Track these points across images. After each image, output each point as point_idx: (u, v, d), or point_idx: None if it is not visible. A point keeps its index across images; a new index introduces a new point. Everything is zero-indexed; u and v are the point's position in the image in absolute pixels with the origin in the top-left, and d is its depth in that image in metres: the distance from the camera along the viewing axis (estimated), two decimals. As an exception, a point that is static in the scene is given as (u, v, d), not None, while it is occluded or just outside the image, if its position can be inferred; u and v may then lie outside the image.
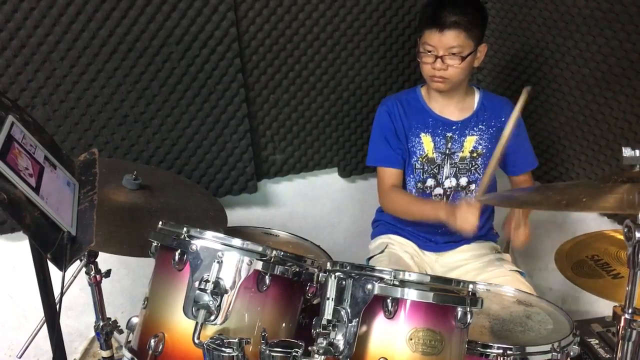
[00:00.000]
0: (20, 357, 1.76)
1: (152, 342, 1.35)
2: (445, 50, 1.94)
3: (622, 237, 1.26)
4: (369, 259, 2.20)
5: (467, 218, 1.84)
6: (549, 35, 2.26)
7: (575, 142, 2.24)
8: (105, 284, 1.79)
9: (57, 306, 1.19)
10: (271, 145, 2.46)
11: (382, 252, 2.16)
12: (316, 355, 1.25)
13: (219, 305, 1.33)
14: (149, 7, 2.09)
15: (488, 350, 1.48)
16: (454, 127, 2.09)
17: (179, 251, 1.38)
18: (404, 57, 2.52)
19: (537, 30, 2.31)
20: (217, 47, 2.21)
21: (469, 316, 1.30)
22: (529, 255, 2.56)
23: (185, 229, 1.40)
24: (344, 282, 1.29)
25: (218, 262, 1.34)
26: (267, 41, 2.30)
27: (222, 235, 1.40)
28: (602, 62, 2.05)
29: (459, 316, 1.30)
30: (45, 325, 1.61)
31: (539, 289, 2.16)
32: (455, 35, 1.93)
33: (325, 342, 1.26)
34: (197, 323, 1.31)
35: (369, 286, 1.26)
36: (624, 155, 1.31)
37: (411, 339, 1.27)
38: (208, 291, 1.32)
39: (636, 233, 1.19)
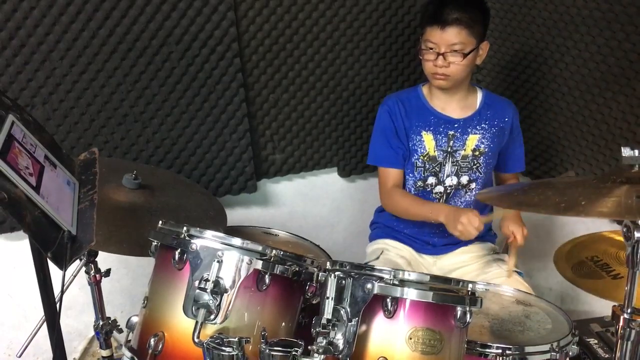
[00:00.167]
0: (19, 356, 1.76)
1: (152, 341, 1.35)
2: (446, 47, 1.94)
3: (620, 238, 1.26)
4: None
5: (468, 228, 1.84)
6: (548, 35, 2.26)
7: (574, 142, 2.24)
8: (105, 283, 1.79)
9: (57, 305, 1.19)
10: (271, 145, 2.46)
11: (377, 258, 2.16)
12: (316, 355, 1.25)
13: (219, 305, 1.33)
14: (149, 7, 2.09)
15: (487, 350, 1.49)
16: (456, 125, 2.09)
17: (179, 250, 1.38)
18: (404, 57, 2.52)
19: (536, 30, 2.32)
20: (217, 46, 2.21)
21: (468, 316, 1.31)
22: (527, 256, 2.56)
23: (185, 228, 1.40)
24: (343, 282, 1.30)
25: (218, 262, 1.34)
26: (266, 41, 2.30)
27: (222, 234, 1.40)
28: (602, 62, 2.06)
29: (458, 316, 1.30)
30: (44, 325, 1.62)
31: (538, 289, 2.17)
32: (456, 32, 1.93)
33: (324, 342, 1.26)
34: (197, 322, 1.31)
35: (369, 285, 1.27)
36: (623, 155, 1.32)
37: (411, 338, 1.28)
38: (208, 290, 1.32)
39: (635, 233, 1.19)
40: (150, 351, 1.35)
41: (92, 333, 2.38)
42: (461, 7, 1.93)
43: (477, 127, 2.10)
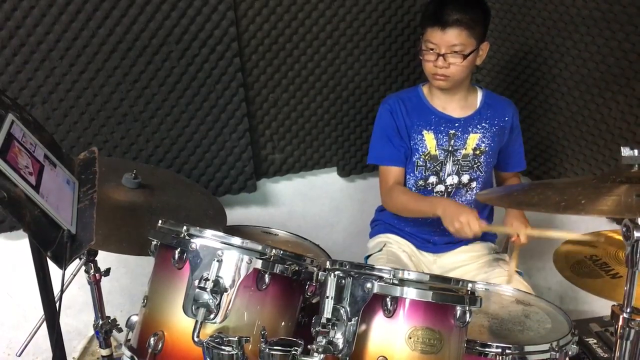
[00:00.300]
0: (19, 355, 1.76)
1: (152, 340, 1.36)
2: (447, 48, 1.95)
3: (620, 237, 1.26)
4: (367, 257, 2.20)
5: (465, 230, 1.83)
6: (548, 35, 2.26)
7: (574, 142, 2.25)
8: (104, 282, 1.79)
9: (57, 304, 1.19)
10: (270, 145, 2.46)
11: (380, 250, 2.16)
12: (315, 354, 1.25)
13: (219, 304, 1.33)
14: (149, 6, 2.09)
15: (487, 349, 1.49)
16: (456, 124, 2.09)
17: (178, 250, 1.38)
18: (403, 57, 2.52)
19: (536, 30, 2.32)
20: (216, 46, 2.21)
21: (467, 315, 1.30)
22: (527, 256, 2.56)
23: (185, 227, 1.40)
24: (343, 281, 1.29)
25: (218, 261, 1.34)
26: (266, 40, 2.30)
27: (221, 234, 1.40)
28: (601, 62, 2.06)
29: (458, 315, 1.30)
30: (44, 324, 1.62)
31: (537, 288, 2.17)
32: (457, 34, 1.93)
33: (324, 341, 1.26)
34: (196, 321, 1.32)
35: (368, 285, 1.27)
36: (623, 154, 1.32)
37: (410, 338, 1.28)
38: (208, 290, 1.32)
39: (634, 232, 1.19)
40: (150, 350, 1.35)
41: (92, 332, 2.38)
42: (462, 8, 1.92)
43: (478, 126, 2.11)
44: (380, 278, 1.29)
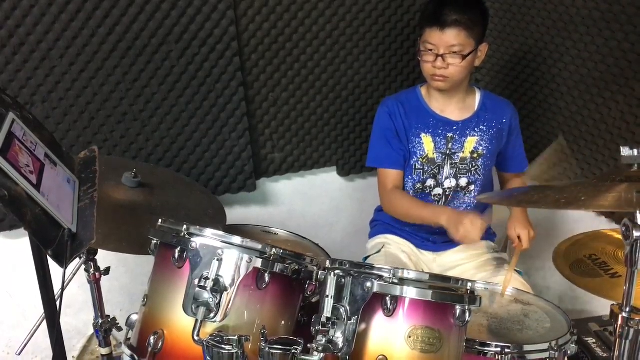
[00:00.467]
0: (19, 354, 1.76)
1: (152, 339, 1.36)
2: (446, 49, 1.94)
3: (619, 236, 1.27)
4: (366, 258, 2.20)
5: (471, 232, 1.82)
6: (547, 35, 2.27)
7: (573, 142, 2.25)
8: (104, 282, 1.79)
9: (58, 302, 1.19)
10: (270, 144, 2.46)
11: (378, 252, 2.16)
12: (315, 353, 1.26)
13: (219, 303, 1.33)
14: (149, 6, 2.09)
15: (486, 348, 1.49)
16: (454, 128, 2.09)
17: (178, 249, 1.38)
18: (403, 57, 2.52)
19: (535, 30, 2.32)
20: (216, 45, 2.21)
21: (467, 314, 1.31)
22: (526, 255, 2.56)
23: (185, 226, 1.40)
24: (343, 280, 1.30)
25: (218, 260, 1.35)
26: (266, 40, 2.30)
27: (221, 233, 1.40)
28: (601, 62, 2.06)
29: (457, 314, 1.30)
30: (44, 323, 1.62)
31: (536, 288, 2.17)
32: (456, 34, 1.93)
33: (324, 340, 1.27)
34: (196, 320, 1.32)
35: (368, 284, 1.27)
36: (623, 154, 1.32)
37: (410, 337, 1.28)
38: (208, 289, 1.32)
39: (634, 232, 1.19)
40: (150, 349, 1.35)
41: (91, 331, 2.38)
42: (461, 8, 1.92)
43: (476, 129, 2.10)
44: (380, 277, 1.29)
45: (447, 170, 2.11)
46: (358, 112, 2.54)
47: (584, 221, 2.22)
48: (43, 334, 1.43)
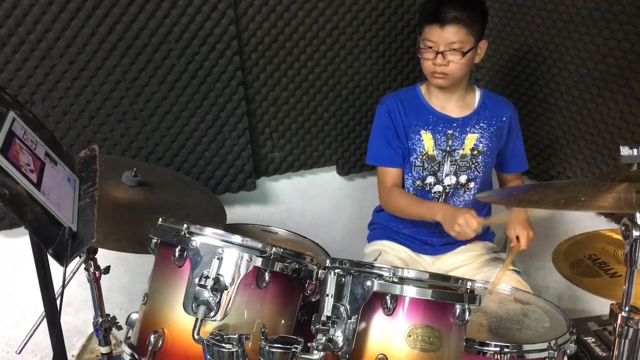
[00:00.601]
0: (19, 352, 1.76)
1: (152, 338, 1.36)
2: (445, 46, 1.95)
3: (619, 236, 1.27)
4: None
5: (465, 230, 1.83)
6: (547, 34, 2.27)
7: (572, 141, 2.25)
8: (103, 281, 1.79)
9: (59, 300, 1.19)
10: (270, 143, 2.46)
11: (375, 260, 2.16)
12: (315, 352, 1.26)
13: (219, 302, 1.33)
14: (149, 5, 2.09)
15: (485, 347, 1.50)
16: (454, 125, 2.10)
17: (179, 248, 1.38)
18: (403, 56, 2.52)
19: (535, 30, 2.32)
20: (216, 44, 2.21)
21: (467, 313, 1.31)
22: (525, 255, 2.57)
23: (185, 225, 1.40)
24: (343, 279, 1.30)
25: (218, 259, 1.35)
26: (266, 39, 2.30)
27: (222, 231, 1.41)
28: (600, 61, 2.06)
29: (457, 313, 1.31)
30: (43, 322, 1.62)
31: (535, 287, 2.17)
32: (455, 31, 1.93)
33: (324, 339, 1.27)
34: (197, 319, 1.32)
35: (368, 283, 1.27)
36: (622, 154, 1.32)
37: (410, 336, 1.28)
38: (208, 287, 1.33)
39: (633, 231, 1.19)
40: (150, 348, 1.36)
41: (91, 330, 2.37)
42: (460, 5, 1.93)
43: (476, 126, 2.11)
44: (380, 276, 1.30)
45: (447, 167, 2.11)
46: (358, 111, 2.54)
47: (583, 221, 2.22)
48: (43, 333, 1.43)
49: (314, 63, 2.40)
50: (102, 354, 1.86)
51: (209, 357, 1.27)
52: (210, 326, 1.34)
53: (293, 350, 1.26)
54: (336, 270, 1.32)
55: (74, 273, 1.78)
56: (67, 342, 1.35)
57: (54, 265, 1.17)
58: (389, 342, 1.29)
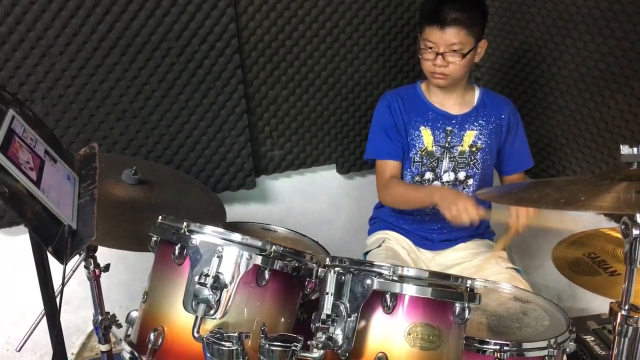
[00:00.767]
0: (19, 350, 1.76)
1: (152, 335, 1.36)
2: (446, 47, 1.95)
3: (618, 235, 1.27)
4: (366, 253, 2.21)
5: (462, 215, 1.82)
6: (547, 33, 2.27)
7: (572, 140, 2.25)
8: (103, 279, 1.79)
9: (59, 298, 1.19)
10: (269, 142, 2.46)
11: (379, 246, 2.17)
12: (315, 350, 1.26)
13: (219, 300, 1.33)
14: (149, 3, 2.09)
15: (485, 346, 1.49)
16: (453, 121, 2.10)
17: (178, 246, 1.38)
18: (403, 55, 2.52)
19: (535, 28, 2.32)
20: (216, 43, 2.21)
21: (467, 312, 1.31)
22: (525, 253, 2.57)
23: (185, 223, 1.40)
24: (343, 277, 1.30)
25: (218, 257, 1.35)
26: (266, 37, 2.30)
27: (221, 230, 1.40)
28: (600, 60, 2.06)
29: (457, 312, 1.31)
30: (43, 320, 1.62)
31: (535, 286, 2.17)
32: (455, 32, 1.93)
33: (324, 337, 1.26)
34: (196, 317, 1.32)
35: (368, 281, 1.27)
36: (622, 152, 1.32)
37: (409, 334, 1.28)
38: (208, 285, 1.33)
39: (633, 230, 1.19)
40: (150, 346, 1.35)
41: (91, 328, 2.39)
42: (460, 6, 1.93)
43: (475, 123, 2.11)
44: (380, 275, 1.29)
45: (445, 164, 2.11)
46: (358, 110, 2.54)
47: (582, 220, 2.22)
48: (42, 331, 1.43)
49: (313, 61, 2.40)
50: (102, 352, 1.86)
51: (208, 355, 1.27)
52: (210, 324, 1.33)
53: (293, 348, 1.26)
54: (336, 269, 1.32)
55: (74, 271, 1.78)
56: (67, 340, 1.35)
57: (54, 263, 1.17)
58: (388, 340, 1.28)
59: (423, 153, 2.11)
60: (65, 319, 2.34)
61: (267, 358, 1.26)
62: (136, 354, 1.41)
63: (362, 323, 1.29)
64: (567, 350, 1.56)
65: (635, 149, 1.31)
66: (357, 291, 1.28)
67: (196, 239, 1.36)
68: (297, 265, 1.42)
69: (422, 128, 2.10)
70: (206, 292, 1.33)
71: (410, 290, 1.28)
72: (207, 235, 1.38)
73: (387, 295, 1.28)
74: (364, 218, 2.39)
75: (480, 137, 2.11)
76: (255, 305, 1.38)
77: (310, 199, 2.67)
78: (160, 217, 1.48)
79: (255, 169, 2.46)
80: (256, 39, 2.29)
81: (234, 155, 2.38)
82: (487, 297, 1.76)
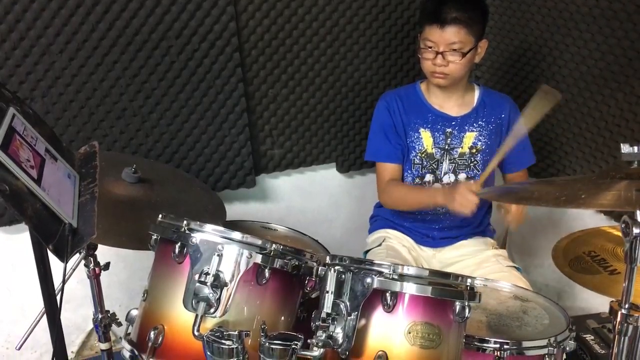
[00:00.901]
0: (19, 348, 1.76)
1: (152, 334, 1.36)
2: (446, 47, 1.95)
3: (618, 233, 1.27)
4: (367, 252, 2.21)
5: (465, 200, 1.82)
6: (547, 32, 2.27)
7: (572, 139, 2.25)
8: (103, 277, 1.79)
9: (59, 296, 1.19)
10: (270, 140, 2.46)
11: (379, 245, 2.17)
12: (315, 348, 1.26)
13: (219, 298, 1.33)
14: (149, 1, 2.09)
15: (485, 344, 1.50)
16: (453, 123, 2.10)
17: (179, 244, 1.38)
18: (403, 53, 2.52)
19: (536, 27, 2.32)
20: (216, 41, 2.21)
21: (467, 310, 1.31)
22: (525, 252, 2.57)
23: (185, 222, 1.40)
24: (343, 276, 1.30)
25: (218, 255, 1.35)
26: (266, 36, 2.30)
27: (222, 228, 1.40)
28: (601, 59, 2.06)
29: (457, 310, 1.31)
30: (43, 318, 1.62)
31: (535, 285, 2.18)
32: (455, 32, 1.93)
33: (324, 335, 1.27)
34: (196, 315, 1.32)
35: (368, 280, 1.27)
36: (623, 151, 1.32)
37: (409, 333, 1.28)
38: (208, 284, 1.32)
39: (634, 229, 1.19)
40: (150, 344, 1.35)
41: (90, 326, 2.39)
42: (460, 6, 1.93)
43: (474, 124, 2.11)
44: (380, 273, 1.29)
45: (445, 166, 2.11)
46: (357, 109, 2.54)
47: (582, 219, 2.23)
48: (42, 329, 1.43)
49: (313, 60, 2.40)
50: (102, 351, 1.86)
51: (209, 353, 1.27)
52: (210, 323, 1.33)
53: (293, 347, 1.26)
54: (336, 267, 1.32)
55: (74, 269, 1.78)
56: (67, 339, 1.35)
57: (54, 262, 1.17)
58: (388, 338, 1.29)
59: (423, 155, 2.11)
60: (65, 317, 2.33)
61: (267, 356, 1.26)
62: (136, 352, 1.41)
63: (362, 321, 1.29)
64: (567, 349, 1.57)
65: (635, 148, 1.31)
66: (357, 290, 1.28)
67: (196, 238, 1.36)
68: (297, 263, 1.42)
69: (421, 130, 2.10)
70: (206, 291, 1.33)
71: (410, 288, 1.28)
72: (207, 233, 1.38)
73: (387, 294, 1.28)
74: (364, 217, 2.39)
75: (480, 138, 2.11)
76: (256, 304, 1.38)
77: (310, 198, 2.67)
78: (160, 216, 1.48)
79: (255, 167, 2.46)
80: (256, 37, 2.29)
81: (234, 153, 2.37)
82: (487, 295, 1.77)
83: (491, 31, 2.50)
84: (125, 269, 2.38)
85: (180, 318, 1.36)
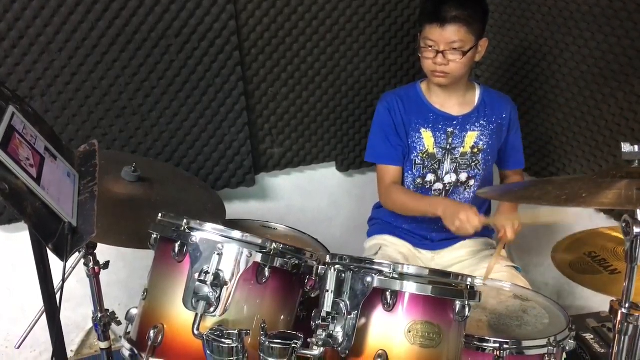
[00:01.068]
0: (18, 347, 1.76)
1: (152, 333, 1.36)
2: (446, 45, 1.95)
3: (618, 234, 1.27)
4: None
5: (469, 222, 1.83)
6: (547, 31, 2.27)
7: (573, 138, 2.25)
8: (102, 276, 1.78)
9: (59, 295, 1.19)
10: (269, 139, 2.46)
11: (375, 254, 2.16)
12: (315, 347, 1.26)
13: (219, 297, 1.33)
14: (148, -1, 2.09)
15: (485, 344, 1.50)
16: (454, 122, 2.10)
17: (179, 243, 1.38)
18: (403, 52, 2.52)
19: (536, 26, 2.32)
20: (216, 40, 2.21)
21: (467, 309, 1.31)
22: (524, 252, 2.57)
23: (185, 220, 1.40)
24: (343, 275, 1.30)
25: (218, 254, 1.35)
26: (266, 34, 2.30)
27: (222, 227, 1.40)
28: (601, 58, 2.06)
29: (457, 309, 1.31)
30: (42, 317, 1.62)
31: (535, 284, 2.17)
32: (456, 30, 1.93)
33: (324, 334, 1.27)
34: (196, 314, 1.32)
35: (368, 279, 1.27)
36: (623, 150, 1.32)
37: (410, 332, 1.28)
38: (208, 283, 1.33)
39: (634, 228, 1.19)
40: (149, 343, 1.36)
41: (90, 325, 2.39)
42: (460, 4, 1.92)
43: (476, 124, 2.11)
44: (380, 272, 1.29)
45: (447, 165, 2.11)
46: (357, 108, 2.53)
47: (582, 219, 2.22)
48: (42, 328, 1.43)
49: (313, 59, 2.40)
50: (101, 349, 1.86)
51: (208, 352, 1.27)
52: (210, 321, 1.34)
53: (293, 345, 1.26)
54: (336, 266, 1.32)
55: (73, 268, 1.78)
56: (66, 338, 1.35)
57: (53, 261, 1.17)
58: (388, 338, 1.29)
59: (424, 155, 2.10)
60: (64, 316, 2.32)
61: (267, 355, 1.26)
62: (136, 351, 1.41)
63: (362, 320, 1.29)
64: (567, 348, 1.57)
65: (636, 147, 1.31)
66: (357, 289, 1.28)
67: (196, 237, 1.36)
68: (297, 262, 1.42)
69: (422, 130, 2.10)
70: (206, 290, 1.33)
71: (410, 287, 1.29)
72: (207, 232, 1.38)
73: (388, 293, 1.28)
74: (364, 216, 2.39)
75: (482, 137, 2.11)
76: (255, 303, 1.39)
77: (310, 197, 2.67)
78: (160, 215, 1.48)
79: (255, 166, 2.46)
80: (256, 36, 2.29)
81: (233, 152, 2.37)
82: (487, 295, 1.77)
83: (491, 30, 2.50)
84: (125, 267, 2.38)
85: (180, 317, 1.36)
